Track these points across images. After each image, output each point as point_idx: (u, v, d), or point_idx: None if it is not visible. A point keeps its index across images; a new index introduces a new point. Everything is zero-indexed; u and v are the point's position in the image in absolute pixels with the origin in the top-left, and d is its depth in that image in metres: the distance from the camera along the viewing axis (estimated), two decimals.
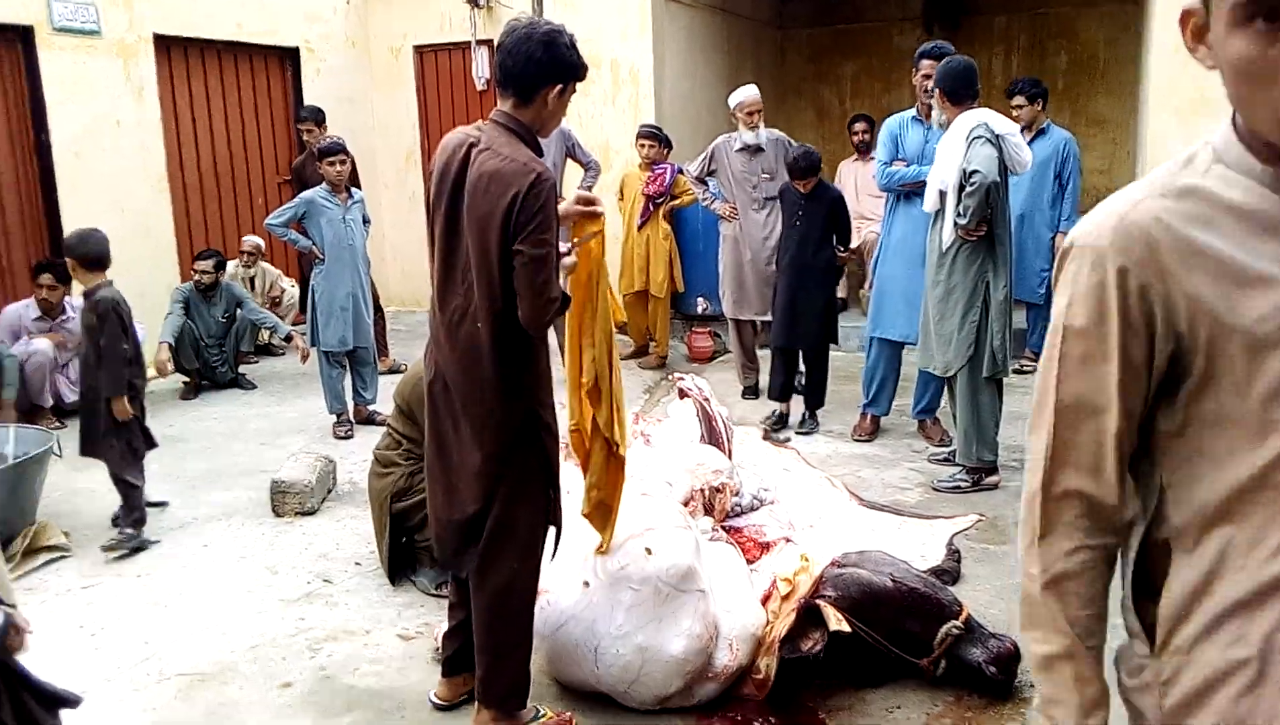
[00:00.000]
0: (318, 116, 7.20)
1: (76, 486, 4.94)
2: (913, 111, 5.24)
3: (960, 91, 4.44)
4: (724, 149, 6.22)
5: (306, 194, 5.73)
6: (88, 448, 4.26)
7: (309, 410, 6.19)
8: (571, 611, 3.06)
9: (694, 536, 3.18)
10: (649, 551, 3.00)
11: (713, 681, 3.01)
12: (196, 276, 6.63)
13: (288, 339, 6.44)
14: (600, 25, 8.25)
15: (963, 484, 4.58)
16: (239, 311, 6.75)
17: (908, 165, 5.08)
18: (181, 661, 3.32)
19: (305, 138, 7.10)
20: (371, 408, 5.91)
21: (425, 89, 9.24)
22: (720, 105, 9.35)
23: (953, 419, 4.72)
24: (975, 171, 4.16)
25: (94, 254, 4.10)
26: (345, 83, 9.01)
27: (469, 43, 8.76)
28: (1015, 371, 6.29)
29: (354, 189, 5.88)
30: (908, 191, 5.07)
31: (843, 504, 4.39)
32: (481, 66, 8.74)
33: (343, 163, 5.63)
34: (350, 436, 5.68)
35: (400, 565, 3.87)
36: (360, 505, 4.34)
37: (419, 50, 9.15)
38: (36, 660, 2.16)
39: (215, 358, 6.76)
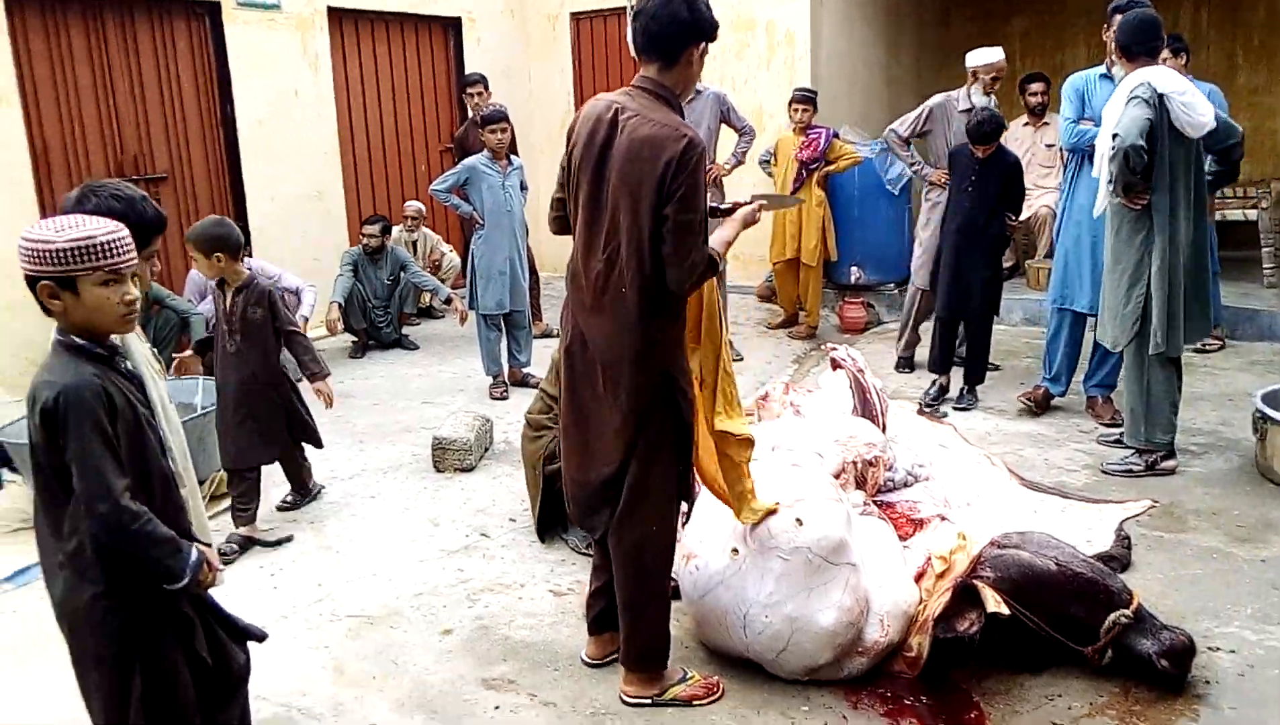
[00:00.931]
0: (485, 81, 7.32)
1: None
2: (1101, 69, 4.92)
3: (1133, 47, 4.12)
4: (945, 109, 5.76)
5: (469, 161, 5.88)
6: (265, 452, 4.14)
7: (467, 371, 6.42)
8: (721, 577, 3.07)
9: (845, 509, 3.14)
10: (799, 522, 2.98)
11: (863, 656, 2.98)
12: (365, 240, 6.94)
13: (447, 302, 6.69)
14: None
15: (1134, 467, 4.33)
16: (403, 275, 7.05)
17: (1095, 125, 4.78)
18: (351, 604, 3.53)
19: (476, 101, 7.18)
20: (526, 370, 6.07)
21: (580, 56, 9.32)
22: (879, 66, 9.09)
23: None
24: (1116, 135, 3.88)
25: (237, 240, 3.96)
26: (503, 52, 9.19)
27: (625, 8, 8.77)
28: (1196, 351, 5.90)
29: (513, 156, 6.00)
30: (1093, 153, 4.78)
31: (1002, 483, 4.23)
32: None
33: (504, 130, 5.73)
34: (505, 397, 5.86)
35: (551, 524, 3.98)
36: (515, 464, 4.48)
37: (575, 17, 9.23)
38: (222, 597, 2.32)
39: (381, 318, 7.08)
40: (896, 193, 7.46)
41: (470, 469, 4.73)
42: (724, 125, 6.51)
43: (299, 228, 7.52)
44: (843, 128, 7.83)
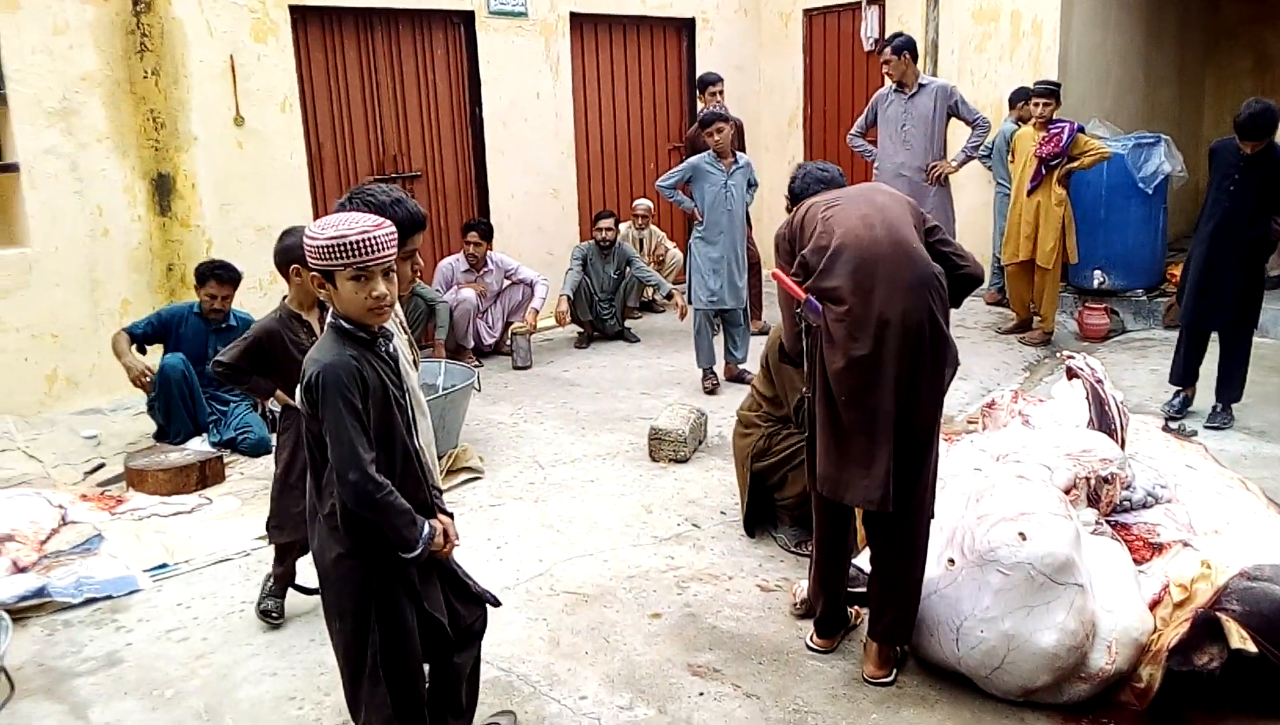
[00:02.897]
0: (722, 81, 7.24)
1: (490, 417, 5.67)
2: None
3: None
4: None
5: (694, 159, 5.96)
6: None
7: (684, 364, 6.55)
8: (935, 586, 3.00)
9: (1074, 527, 2.98)
10: (1023, 536, 2.86)
11: (1085, 682, 2.82)
12: (601, 234, 7.21)
13: (669, 297, 6.86)
14: None
15: None
16: (628, 269, 7.29)
17: None
18: (568, 581, 3.72)
19: (719, 99, 7.04)
20: (741, 366, 6.13)
21: (812, 52, 9.25)
22: (1136, 55, 8.44)
23: None
24: None
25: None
26: (735, 50, 9.28)
27: (859, 3, 8.63)
28: None
29: (739, 154, 6.04)
30: None
31: (1258, 512, 3.85)
32: (871, 27, 8.58)
33: (720, 131, 5.76)
34: (714, 392, 5.94)
35: (760, 520, 4.02)
36: (727, 458, 4.53)
37: (808, 14, 9.17)
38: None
39: (606, 311, 7.35)
40: (1150, 191, 6.91)
41: (684, 460, 4.84)
42: (952, 119, 6.29)
43: (535, 223, 7.95)
44: (1091, 122, 7.35)
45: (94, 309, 5.79)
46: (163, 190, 6.01)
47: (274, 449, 3.51)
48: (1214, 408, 4.97)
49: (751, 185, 6.09)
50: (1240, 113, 4.75)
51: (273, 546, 3.48)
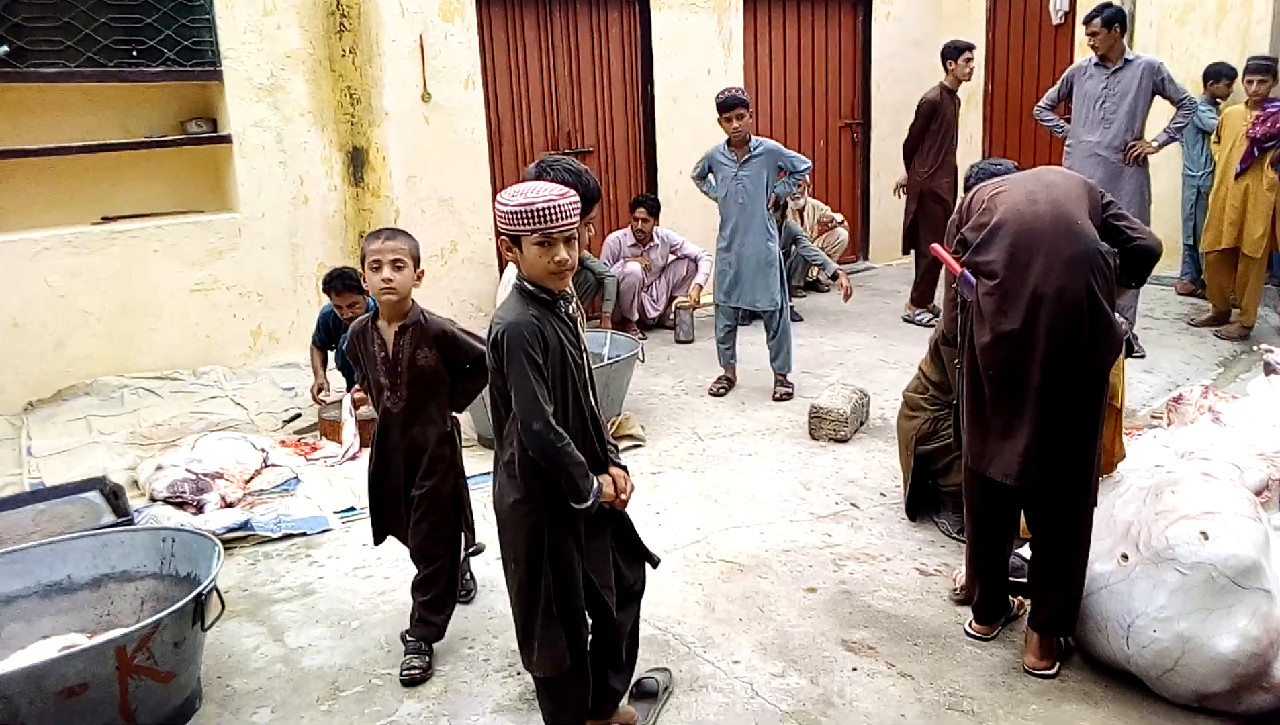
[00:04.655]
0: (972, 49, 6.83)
1: (652, 388, 5.79)
2: None
3: None
4: None
5: (710, 150, 5.60)
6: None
7: (848, 345, 6.49)
8: (1106, 581, 2.91)
9: (1264, 530, 2.81)
10: (1205, 535, 2.73)
11: (1268, 693, 2.67)
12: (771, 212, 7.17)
13: (834, 277, 6.77)
14: None
15: None
16: (794, 248, 7.24)
17: None
18: (725, 550, 3.79)
19: (957, 71, 6.58)
20: (784, 379, 5.68)
21: (995, 27, 8.88)
22: None
23: None
24: None
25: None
26: (914, 25, 9.01)
27: None
28: None
29: (762, 141, 5.51)
30: None
31: None
32: (1061, 0, 8.16)
33: (740, 118, 5.30)
34: (720, 394, 5.66)
35: (922, 505, 3.96)
36: (889, 440, 4.49)
37: None
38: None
39: None
40: None
41: (844, 440, 4.81)
42: (1159, 96, 5.92)
43: (701, 200, 7.95)
44: None
45: (294, 271, 6.25)
46: (356, 162, 6.41)
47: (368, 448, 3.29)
48: None
49: (793, 172, 5.55)
50: None
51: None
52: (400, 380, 3.01)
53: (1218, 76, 6.80)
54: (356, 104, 6.37)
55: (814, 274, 8.04)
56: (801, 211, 8.09)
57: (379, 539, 3.24)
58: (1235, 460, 3.47)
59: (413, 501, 3.06)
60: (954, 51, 6.51)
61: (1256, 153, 6.01)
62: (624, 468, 2.53)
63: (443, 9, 6.55)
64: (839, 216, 8.29)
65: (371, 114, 6.42)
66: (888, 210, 9.08)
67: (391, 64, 6.42)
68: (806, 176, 6.22)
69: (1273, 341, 5.93)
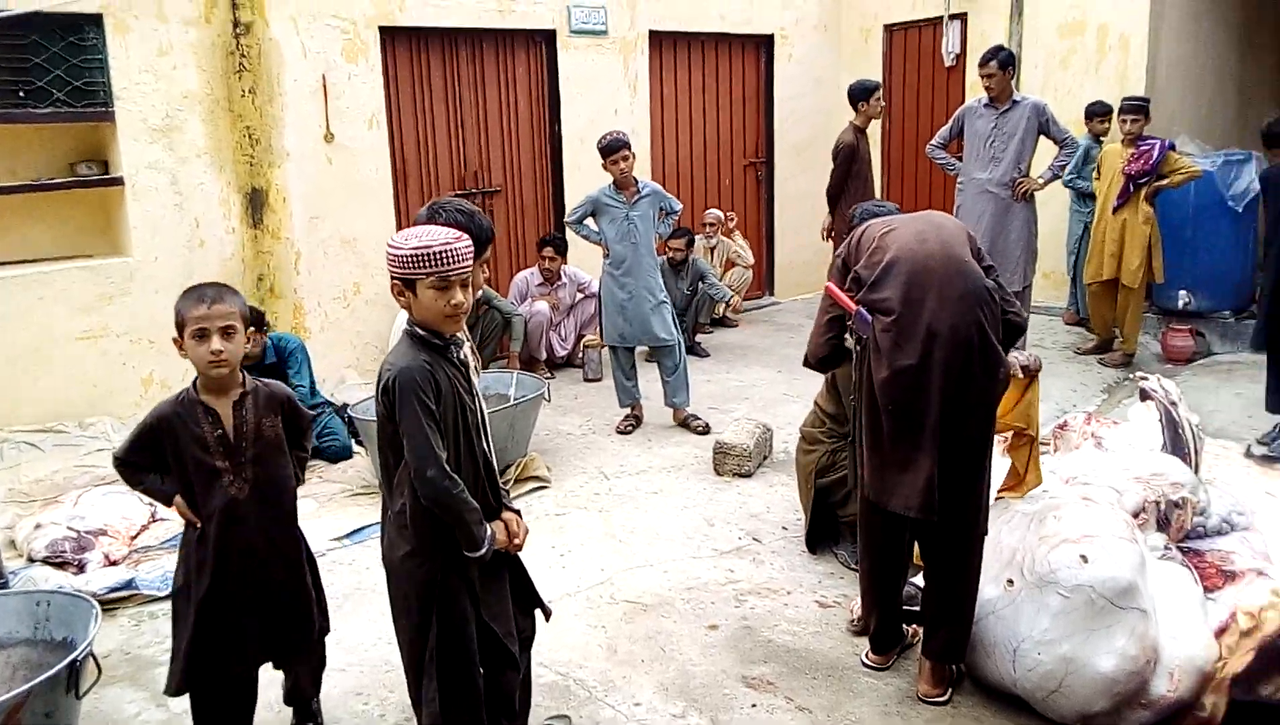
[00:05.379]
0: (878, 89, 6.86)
1: (559, 428, 5.78)
2: None
3: None
4: None
5: (592, 192, 5.59)
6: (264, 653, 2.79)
7: (753, 380, 6.58)
8: (993, 607, 2.99)
9: (1139, 551, 2.93)
10: (1085, 559, 2.83)
11: (1146, 709, 2.77)
12: (670, 253, 7.29)
13: (728, 303, 6.78)
14: None
15: None
16: (700, 285, 7.34)
17: None
18: (629, 589, 3.78)
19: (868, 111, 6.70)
20: (687, 411, 5.74)
21: (891, 68, 9.20)
22: (1227, 69, 8.18)
23: None
24: None
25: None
26: (815, 65, 9.27)
27: (941, 18, 8.55)
28: None
29: (646, 183, 5.57)
30: None
31: None
32: (952, 42, 8.50)
33: (625, 159, 5.32)
34: (626, 432, 5.66)
35: (822, 537, 4.02)
36: (791, 474, 4.53)
37: (889, 29, 9.12)
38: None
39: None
40: (1240, 210, 6.69)
41: (748, 475, 4.86)
42: (1042, 136, 6.19)
43: None
44: (1179, 138, 7.15)
45: None
46: (256, 204, 6.29)
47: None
48: (1276, 426, 4.80)
49: (670, 212, 5.64)
50: (1264, 124, 4.62)
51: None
52: (245, 458, 2.56)
53: (1097, 115, 7.14)
54: (256, 144, 6.26)
55: (720, 311, 8.15)
56: (713, 250, 8.22)
57: (203, 687, 2.59)
58: (1114, 484, 3.60)
59: (275, 613, 2.64)
60: (864, 92, 6.69)
61: (1132, 188, 6.32)
62: (517, 512, 2.52)
63: (346, 49, 6.51)
64: (749, 257, 8.42)
65: (272, 155, 6.31)
66: (792, 246, 9.29)
67: (293, 104, 6.34)
68: (688, 213, 6.22)
69: (1153, 368, 6.21)
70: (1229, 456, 4.37)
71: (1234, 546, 3.49)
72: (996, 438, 3.51)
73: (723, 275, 8.16)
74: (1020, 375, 3.27)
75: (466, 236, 2.32)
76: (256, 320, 4.96)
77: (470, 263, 2.32)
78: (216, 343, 2.52)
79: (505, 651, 2.46)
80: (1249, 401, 5.43)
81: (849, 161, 6.63)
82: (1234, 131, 8.12)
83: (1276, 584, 2.99)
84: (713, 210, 8.32)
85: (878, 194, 7.19)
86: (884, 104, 6.81)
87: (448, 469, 2.25)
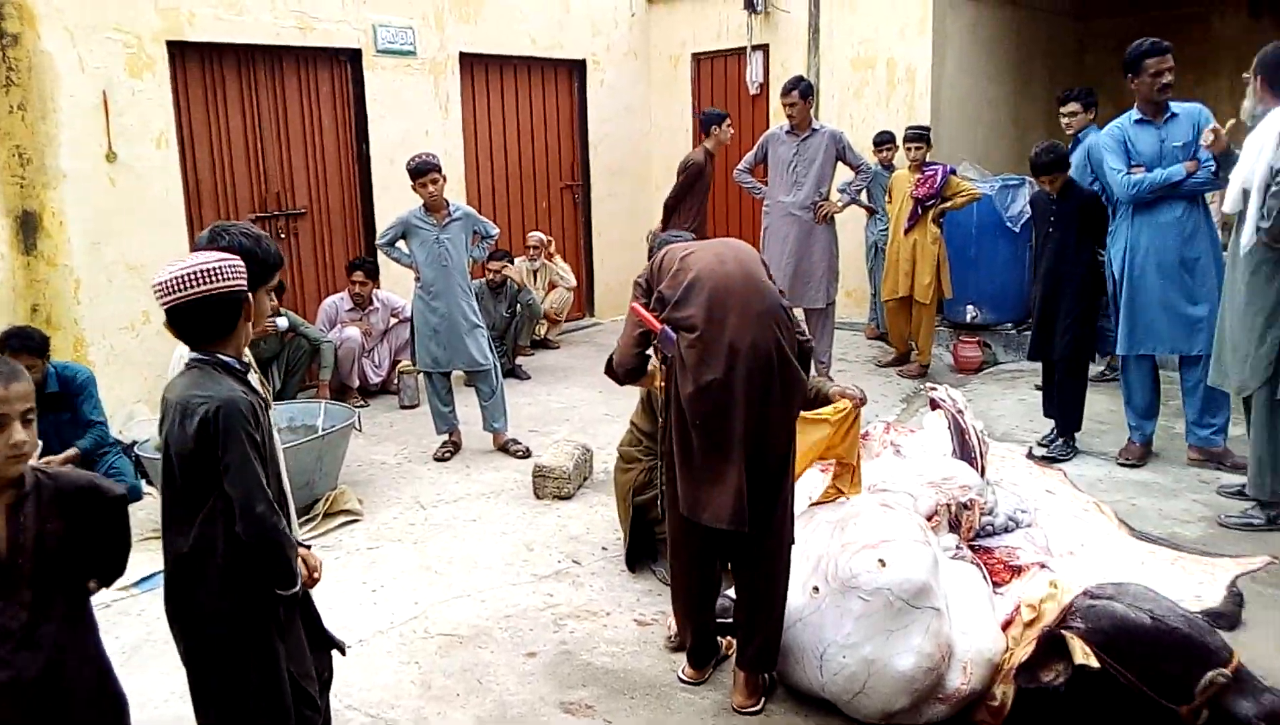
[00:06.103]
0: (724, 119, 6.95)
1: (373, 458, 5.57)
2: (1135, 113, 4.81)
3: None
4: None
5: (402, 214, 5.48)
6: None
7: (574, 401, 6.57)
8: (800, 614, 3.07)
9: (932, 553, 3.08)
10: (882, 563, 2.95)
11: (943, 703, 2.91)
12: (489, 275, 7.20)
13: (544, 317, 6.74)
14: (878, 25, 8.11)
15: (1256, 521, 4.08)
16: (519, 307, 7.28)
17: (1147, 170, 4.64)
18: (444, 622, 3.66)
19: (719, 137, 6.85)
20: (507, 436, 5.68)
21: (700, 95, 9.47)
22: (1004, 101, 8.89)
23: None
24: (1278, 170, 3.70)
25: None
26: (625, 92, 9.44)
27: (744, 48, 8.89)
28: None
29: (458, 206, 5.53)
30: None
31: (1110, 533, 4.05)
32: (755, 71, 8.84)
33: (434, 182, 5.25)
34: (444, 459, 5.57)
35: (640, 554, 4.04)
36: (611, 494, 4.55)
37: (696, 57, 9.40)
38: (327, 608, 2.47)
39: (497, 349, 7.32)
40: (1017, 230, 7.26)
41: (568, 497, 4.84)
42: (840, 163, 6.51)
43: None
44: (962, 164, 7.70)
45: None
46: (27, 228, 5.77)
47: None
48: (1050, 435, 5.21)
49: (485, 237, 5.60)
50: (1031, 152, 5.09)
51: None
52: (19, 578, 1.92)
53: (883, 144, 7.59)
54: (27, 164, 5.75)
55: (541, 332, 8.12)
56: (536, 272, 8.19)
57: None
58: (910, 489, 3.80)
59: None
60: (717, 118, 6.90)
61: (920, 211, 6.75)
62: (307, 547, 2.40)
63: (130, 64, 6.09)
64: (571, 279, 8.45)
65: (46, 175, 5.82)
66: (610, 267, 9.38)
67: (69, 121, 5.86)
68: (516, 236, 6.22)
69: (947, 378, 6.63)
70: (1013, 458, 4.72)
71: (1019, 542, 3.76)
72: (818, 465, 3.65)
73: (545, 297, 8.14)
74: (847, 406, 3.37)
75: (237, 257, 2.23)
76: (40, 345, 4.63)
77: (244, 282, 2.22)
78: (19, 433, 1.89)
79: (305, 694, 2.33)
80: (1030, 407, 5.87)
81: (694, 179, 6.82)
82: (1010, 158, 8.83)
83: (1055, 575, 3.22)
84: (536, 232, 8.31)
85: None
86: (732, 131, 7.04)
87: (274, 505, 2.13)
